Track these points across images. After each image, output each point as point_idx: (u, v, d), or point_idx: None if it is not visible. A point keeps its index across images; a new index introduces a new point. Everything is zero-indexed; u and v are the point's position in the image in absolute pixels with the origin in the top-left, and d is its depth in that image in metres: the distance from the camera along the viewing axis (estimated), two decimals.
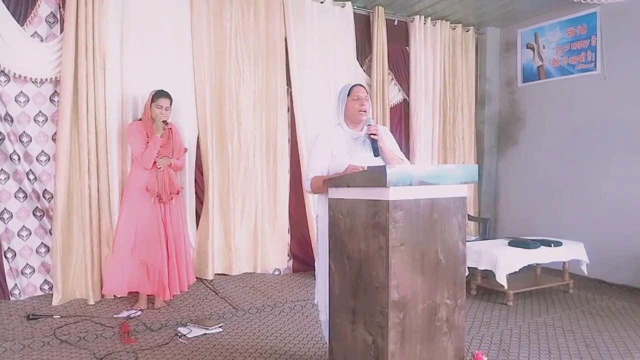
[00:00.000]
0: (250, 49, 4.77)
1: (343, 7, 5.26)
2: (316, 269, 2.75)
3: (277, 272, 4.97)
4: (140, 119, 3.94)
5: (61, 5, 3.98)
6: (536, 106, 5.84)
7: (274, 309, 3.96)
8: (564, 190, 5.44)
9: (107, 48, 4.06)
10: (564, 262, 4.60)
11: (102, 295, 3.98)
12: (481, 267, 4.32)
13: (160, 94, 3.83)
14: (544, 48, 5.73)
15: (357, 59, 5.44)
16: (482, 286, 4.49)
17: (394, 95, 5.77)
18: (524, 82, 6.00)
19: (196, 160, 4.57)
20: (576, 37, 5.36)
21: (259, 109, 4.83)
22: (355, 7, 5.37)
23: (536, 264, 4.65)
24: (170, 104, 3.87)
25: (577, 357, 3.10)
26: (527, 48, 5.94)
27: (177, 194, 3.92)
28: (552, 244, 4.47)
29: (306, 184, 2.70)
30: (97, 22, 3.97)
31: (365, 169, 2.34)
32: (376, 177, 2.13)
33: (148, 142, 3.76)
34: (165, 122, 3.77)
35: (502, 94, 6.29)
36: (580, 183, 5.28)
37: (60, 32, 3.97)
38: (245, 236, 4.80)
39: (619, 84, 4.94)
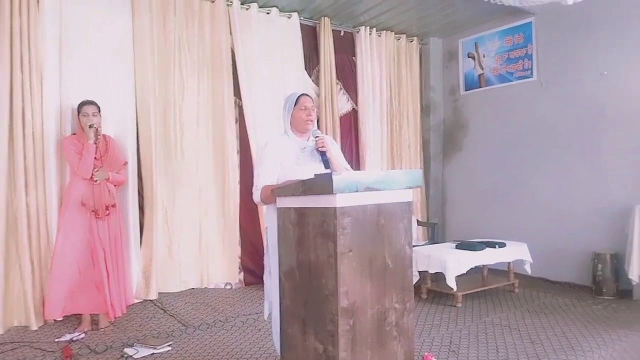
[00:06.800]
0: (195, 60, 4.72)
1: (289, 17, 5.29)
2: (265, 281, 2.72)
3: (228, 286, 4.88)
4: (75, 134, 3.85)
5: None
6: (478, 113, 6.06)
7: (226, 324, 3.87)
8: (507, 194, 5.65)
9: (45, 60, 3.91)
10: (509, 263, 4.76)
11: (45, 321, 3.79)
12: (431, 271, 4.41)
13: (83, 103, 3.77)
14: (484, 57, 5.97)
15: (306, 69, 5.48)
16: (432, 289, 4.57)
17: (343, 104, 5.84)
18: (466, 90, 6.21)
19: (139, 174, 4.43)
20: (514, 46, 5.62)
21: (205, 120, 4.78)
22: (302, 18, 5.41)
23: (483, 265, 4.79)
24: (98, 111, 3.78)
25: (523, 354, 3.19)
26: (468, 57, 6.17)
27: (114, 207, 3.79)
28: (496, 246, 4.62)
29: (256, 195, 2.67)
30: (33, 34, 3.83)
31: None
32: (323, 184, 2.13)
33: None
34: (91, 126, 3.67)
35: (445, 102, 6.49)
36: (521, 186, 5.50)
37: None
38: (193, 250, 4.70)
39: (554, 90, 5.21)
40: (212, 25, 4.81)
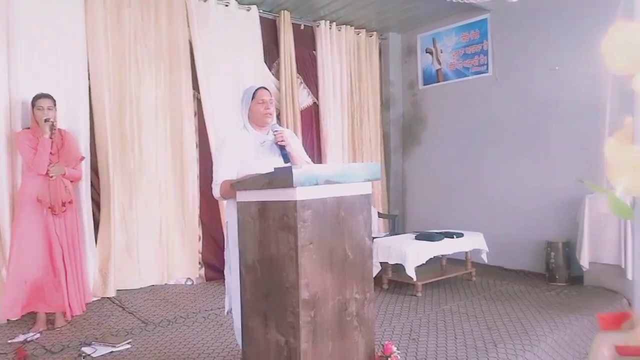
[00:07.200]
0: (152, 52, 4.62)
1: (248, 10, 5.24)
2: (226, 276, 2.71)
3: (189, 282, 4.83)
4: (29, 127, 3.70)
5: None
6: (436, 108, 6.18)
7: (187, 320, 3.83)
8: (463, 186, 5.80)
9: None
10: (466, 252, 4.90)
11: None
12: (391, 262, 4.49)
13: (38, 96, 3.64)
14: (441, 52, 6.08)
15: (266, 63, 5.44)
16: (393, 280, 4.65)
17: (304, 98, 5.84)
18: (424, 85, 6.32)
19: (93, 169, 4.31)
20: (470, 42, 5.75)
21: (163, 114, 4.69)
22: (261, 11, 5.37)
23: (441, 255, 4.91)
24: (54, 105, 3.66)
25: (480, 340, 3.29)
26: (426, 52, 6.27)
27: (70, 203, 3.68)
28: (454, 236, 4.75)
29: (215, 190, 2.64)
30: None
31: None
32: (283, 178, 2.13)
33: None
34: (47, 120, 3.54)
35: (404, 96, 6.59)
36: (477, 178, 5.66)
37: None
38: (152, 246, 4.62)
39: (508, 85, 5.37)
40: (169, 17, 4.71)
